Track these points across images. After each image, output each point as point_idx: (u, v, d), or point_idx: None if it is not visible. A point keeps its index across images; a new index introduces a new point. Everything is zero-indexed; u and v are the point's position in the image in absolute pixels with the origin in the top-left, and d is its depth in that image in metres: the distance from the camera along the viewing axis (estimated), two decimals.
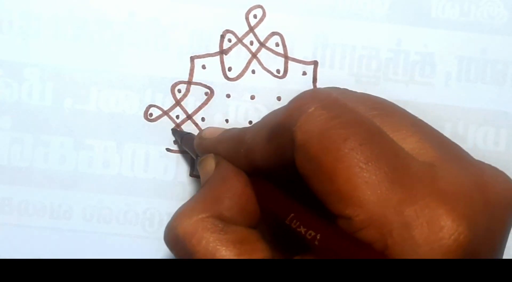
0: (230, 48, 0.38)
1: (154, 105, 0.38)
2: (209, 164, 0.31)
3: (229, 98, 0.38)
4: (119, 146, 0.38)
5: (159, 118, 0.38)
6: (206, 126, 0.37)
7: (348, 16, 0.37)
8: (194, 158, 0.35)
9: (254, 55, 0.38)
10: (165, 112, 0.38)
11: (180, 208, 0.28)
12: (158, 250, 0.38)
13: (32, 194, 0.38)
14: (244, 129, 0.30)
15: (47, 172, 0.38)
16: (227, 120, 0.38)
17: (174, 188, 0.38)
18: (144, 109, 0.38)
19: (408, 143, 0.25)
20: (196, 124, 0.38)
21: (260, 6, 0.37)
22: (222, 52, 0.38)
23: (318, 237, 0.25)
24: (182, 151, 0.38)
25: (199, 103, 0.38)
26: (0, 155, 0.38)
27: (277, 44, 0.38)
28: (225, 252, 0.26)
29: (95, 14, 0.37)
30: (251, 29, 0.38)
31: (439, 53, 0.38)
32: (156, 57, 0.37)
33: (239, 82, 0.38)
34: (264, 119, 0.29)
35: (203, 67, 0.38)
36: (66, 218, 0.38)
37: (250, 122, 0.38)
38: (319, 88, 0.28)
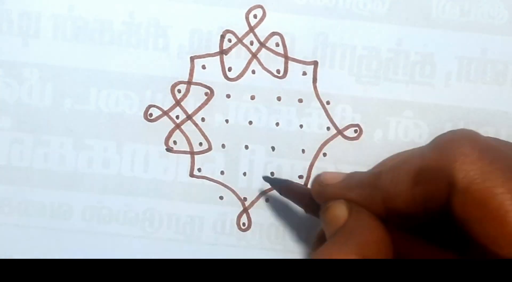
0: (230, 48, 0.38)
1: (154, 106, 0.38)
2: (341, 210, 0.29)
3: (229, 99, 0.38)
4: (119, 146, 0.38)
5: (159, 119, 0.38)
6: (210, 130, 0.37)
7: (348, 16, 0.37)
8: (301, 207, 0.34)
9: (254, 55, 0.38)
10: (165, 113, 0.38)
11: (321, 250, 0.27)
12: (158, 250, 0.38)
13: (32, 194, 0.38)
14: (376, 172, 0.29)
15: (47, 172, 0.38)
16: (227, 121, 0.38)
17: (174, 188, 0.38)
18: (144, 109, 0.38)
19: None
20: (196, 125, 0.38)
21: (260, 6, 0.37)
22: (222, 52, 0.38)
23: None
24: (183, 152, 0.38)
25: (199, 104, 0.38)
26: (0, 155, 0.38)
27: (277, 44, 0.38)
28: None
29: (95, 14, 0.37)
30: (251, 29, 0.37)
31: (439, 53, 0.38)
32: (156, 57, 0.37)
33: (239, 82, 0.38)
34: (404, 159, 0.28)
35: (203, 67, 0.38)
36: (66, 218, 0.38)
37: (250, 122, 0.38)
38: (466, 130, 0.27)
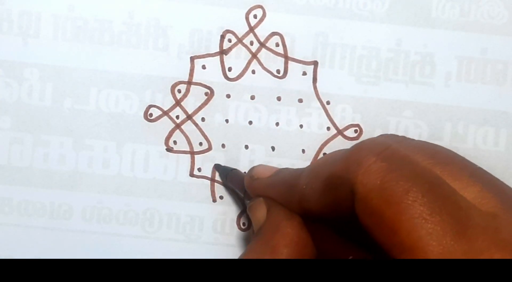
0: (230, 48, 0.38)
1: (154, 106, 0.38)
2: (260, 210, 0.31)
3: (229, 99, 0.38)
4: (119, 146, 0.38)
5: (159, 119, 0.38)
6: (210, 130, 0.37)
7: (348, 16, 0.37)
8: (241, 195, 0.35)
9: (254, 55, 0.38)
10: (165, 113, 0.38)
11: (241, 256, 0.29)
12: (158, 250, 0.38)
13: (32, 194, 0.38)
14: (297, 174, 0.30)
15: (47, 172, 0.38)
16: (227, 121, 0.38)
17: (174, 188, 0.38)
18: (144, 109, 0.38)
19: (469, 193, 0.25)
20: (196, 125, 0.38)
21: (260, 6, 0.37)
22: (222, 52, 0.38)
23: None
24: (183, 152, 0.38)
25: (199, 104, 0.38)
26: (0, 155, 0.38)
27: (277, 44, 0.38)
28: None
29: (95, 14, 0.37)
30: (251, 29, 0.37)
31: (439, 53, 0.38)
32: (156, 57, 0.37)
33: (239, 82, 0.38)
34: (319, 166, 0.28)
35: (203, 67, 0.38)
36: (66, 218, 0.38)
37: (250, 122, 0.38)
38: (377, 138, 0.28)
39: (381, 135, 0.29)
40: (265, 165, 0.35)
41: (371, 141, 0.27)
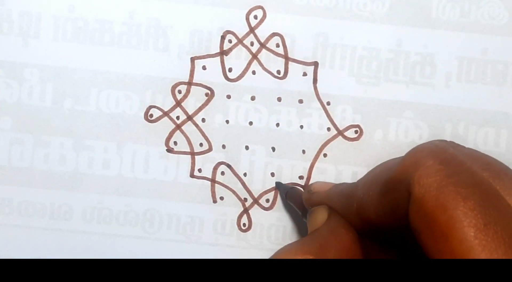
0: (230, 49, 0.38)
1: (154, 106, 0.38)
2: (321, 215, 0.31)
3: (230, 99, 0.38)
4: (119, 146, 0.38)
5: (159, 119, 0.38)
6: (210, 130, 0.37)
7: (349, 16, 0.37)
8: (299, 212, 0.36)
9: (254, 56, 0.38)
10: (166, 113, 0.38)
11: (283, 248, 0.29)
12: (158, 251, 0.38)
13: (32, 194, 0.38)
14: (355, 184, 0.30)
15: (47, 173, 0.38)
16: (227, 121, 0.38)
17: (175, 188, 0.38)
18: (145, 110, 0.38)
19: None
20: (197, 125, 0.38)
21: (261, 7, 0.37)
22: (223, 53, 0.38)
23: None
24: (183, 152, 0.38)
25: (199, 104, 0.38)
26: (0, 156, 0.38)
27: (277, 45, 0.38)
28: None
29: (95, 14, 0.37)
30: (252, 30, 0.38)
31: (439, 54, 0.38)
32: (156, 57, 0.37)
33: (240, 83, 0.38)
34: (376, 172, 0.29)
35: (204, 68, 0.38)
36: (66, 218, 0.38)
37: (251, 123, 0.38)
38: (433, 141, 0.28)
39: (435, 140, 0.29)
40: (322, 181, 0.35)
41: (429, 144, 0.27)
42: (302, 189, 0.37)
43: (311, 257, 0.27)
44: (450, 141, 0.29)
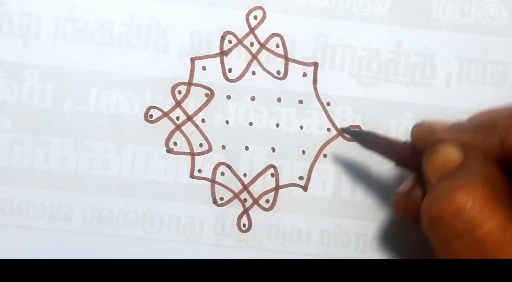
0: (230, 49, 0.38)
1: (154, 107, 0.38)
2: (454, 153, 0.28)
3: (230, 100, 0.38)
4: (119, 147, 0.38)
5: (159, 120, 0.38)
6: (210, 131, 0.37)
7: (349, 17, 0.37)
8: (392, 160, 0.33)
9: (254, 57, 0.38)
10: (165, 114, 0.38)
11: (445, 186, 0.26)
12: (158, 252, 0.38)
13: (32, 195, 0.38)
14: (492, 118, 0.28)
15: (47, 173, 0.38)
16: (227, 122, 0.38)
17: (175, 189, 0.38)
18: (144, 110, 0.38)
19: None
20: (197, 126, 0.38)
21: (261, 7, 0.37)
22: (223, 53, 0.38)
23: None
24: (183, 153, 0.38)
25: (199, 105, 0.38)
26: (0, 156, 0.38)
27: (277, 46, 0.38)
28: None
29: (95, 15, 0.37)
30: (252, 30, 0.38)
31: (439, 54, 0.38)
32: (156, 58, 0.37)
33: (239, 83, 0.38)
34: None
35: (203, 68, 0.38)
36: (66, 219, 0.38)
37: (250, 123, 0.38)
38: None
39: None
40: (430, 120, 0.32)
41: None
42: (377, 133, 0.34)
43: (481, 188, 0.25)
44: None
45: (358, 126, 0.38)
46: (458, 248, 0.25)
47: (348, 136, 0.36)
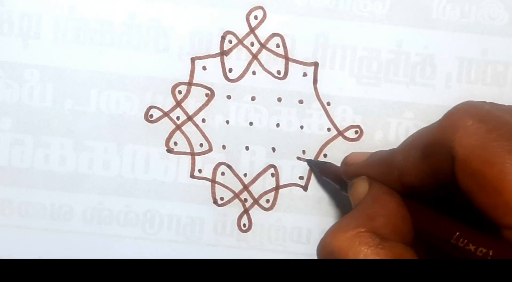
0: (230, 49, 0.38)
1: (154, 107, 0.38)
2: (362, 186, 0.31)
3: (230, 100, 0.38)
4: (119, 147, 0.38)
5: (159, 120, 0.38)
6: (210, 131, 0.37)
7: (349, 17, 0.37)
8: (337, 186, 0.35)
9: (254, 56, 0.38)
10: (166, 114, 0.38)
11: (332, 226, 0.28)
12: (158, 252, 0.38)
13: (33, 195, 0.38)
14: (393, 151, 0.30)
15: (48, 173, 0.38)
16: (227, 122, 0.38)
17: (175, 189, 0.38)
18: (145, 110, 0.38)
19: None
20: (197, 126, 0.38)
21: (261, 7, 0.37)
22: (223, 53, 0.38)
23: (491, 253, 0.25)
24: (183, 153, 0.38)
25: (199, 105, 0.38)
26: (0, 156, 0.38)
27: (277, 45, 0.38)
28: None
29: (95, 15, 0.37)
30: (252, 30, 0.38)
31: (439, 55, 0.38)
32: (157, 58, 0.37)
33: (240, 83, 0.38)
34: (415, 137, 0.29)
35: (204, 68, 0.38)
36: (67, 219, 0.38)
37: (251, 123, 0.38)
38: (469, 101, 0.28)
39: (469, 100, 0.29)
40: (357, 152, 0.35)
41: (463, 104, 0.27)
42: (334, 164, 0.37)
43: (363, 230, 0.27)
44: (485, 102, 0.29)
45: (358, 126, 0.38)
46: None
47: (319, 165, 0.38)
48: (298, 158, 0.38)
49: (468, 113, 0.26)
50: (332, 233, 0.28)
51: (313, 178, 0.38)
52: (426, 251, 0.29)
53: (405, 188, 0.29)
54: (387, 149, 0.36)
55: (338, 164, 0.38)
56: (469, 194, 0.25)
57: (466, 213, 0.27)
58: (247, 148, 0.38)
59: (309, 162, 0.38)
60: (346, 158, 0.34)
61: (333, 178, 0.36)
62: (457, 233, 0.26)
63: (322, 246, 0.28)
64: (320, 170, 0.37)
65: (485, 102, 0.28)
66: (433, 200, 0.29)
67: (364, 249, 0.26)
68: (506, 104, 0.28)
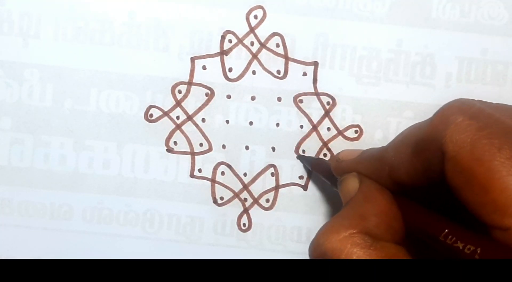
0: (230, 49, 0.38)
1: (154, 106, 0.38)
2: (352, 183, 0.31)
3: (230, 99, 0.38)
4: (119, 146, 0.38)
5: (159, 119, 0.38)
6: (210, 130, 0.37)
7: (349, 16, 0.37)
8: (328, 182, 0.35)
9: (254, 56, 0.38)
10: (166, 113, 0.38)
11: (324, 226, 0.28)
12: (158, 251, 0.38)
13: (32, 194, 0.38)
14: (384, 147, 0.30)
15: (47, 173, 0.38)
16: (227, 121, 0.38)
17: (175, 188, 0.38)
18: (145, 110, 0.38)
19: None
20: (197, 125, 0.38)
21: (261, 7, 0.37)
22: (223, 52, 0.38)
23: (478, 251, 0.25)
24: (183, 152, 0.38)
25: (199, 104, 0.38)
26: (0, 156, 0.38)
27: (277, 45, 0.38)
28: None
29: (95, 14, 0.37)
30: (252, 29, 0.38)
31: (439, 54, 0.38)
32: (157, 57, 0.37)
33: (240, 83, 0.38)
34: (406, 134, 0.29)
35: (204, 68, 0.38)
36: (66, 218, 0.38)
37: (251, 123, 0.38)
38: (460, 99, 0.28)
39: (461, 98, 0.29)
40: (349, 149, 0.35)
41: (455, 102, 0.27)
42: (326, 160, 0.37)
43: (355, 231, 0.27)
44: (477, 100, 0.29)
45: (358, 125, 0.38)
46: None
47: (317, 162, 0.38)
48: (297, 156, 0.38)
49: (460, 110, 0.26)
50: (324, 233, 0.28)
51: (313, 177, 0.38)
52: (416, 247, 0.29)
53: (395, 184, 0.29)
54: None
55: None
56: (457, 191, 0.25)
57: (456, 211, 0.27)
58: (247, 148, 0.38)
59: (299, 157, 0.38)
60: (337, 154, 0.34)
61: (324, 174, 0.36)
62: (446, 230, 0.26)
63: (314, 246, 0.28)
64: (311, 165, 0.37)
65: (476, 100, 0.28)
66: (423, 197, 0.29)
67: (357, 251, 0.26)
68: (506, 104, 0.28)
